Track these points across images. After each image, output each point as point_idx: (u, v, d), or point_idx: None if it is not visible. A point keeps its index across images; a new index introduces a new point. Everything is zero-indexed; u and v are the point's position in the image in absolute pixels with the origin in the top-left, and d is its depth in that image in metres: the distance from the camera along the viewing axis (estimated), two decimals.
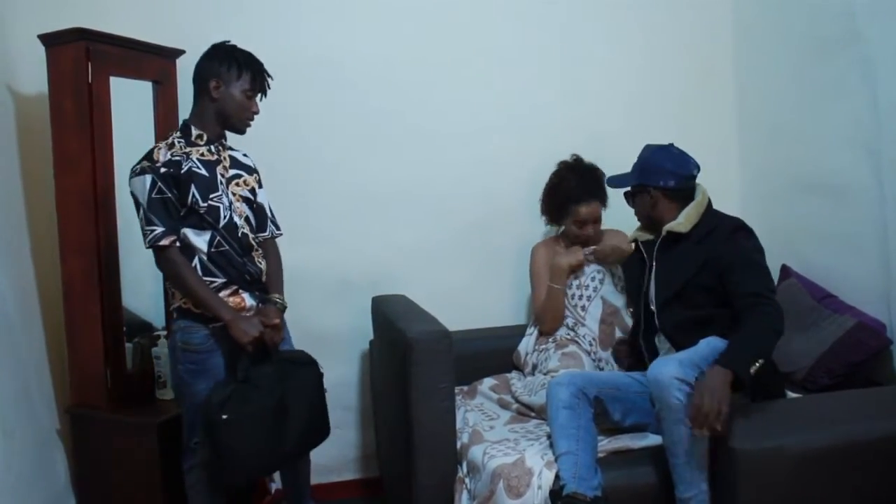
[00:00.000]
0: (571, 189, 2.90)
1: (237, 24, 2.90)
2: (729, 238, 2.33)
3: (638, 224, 2.62)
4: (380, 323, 2.80)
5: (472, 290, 3.17)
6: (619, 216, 2.93)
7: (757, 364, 2.10)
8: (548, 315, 2.88)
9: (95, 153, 2.47)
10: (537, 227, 3.16)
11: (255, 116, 2.36)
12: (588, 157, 3.01)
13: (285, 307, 2.40)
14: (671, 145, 2.51)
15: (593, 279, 2.90)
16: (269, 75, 2.38)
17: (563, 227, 3.02)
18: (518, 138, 3.18)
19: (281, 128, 2.87)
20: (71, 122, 2.47)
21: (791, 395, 2.49)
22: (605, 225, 2.99)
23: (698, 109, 3.25)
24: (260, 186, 2.46)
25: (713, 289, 2.33)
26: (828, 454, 2.06)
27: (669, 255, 2.45)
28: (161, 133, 2.72)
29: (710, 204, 2.46)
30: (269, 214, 2.48)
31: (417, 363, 2.30)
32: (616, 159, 3.04)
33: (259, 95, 2.36)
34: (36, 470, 2.45)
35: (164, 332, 2.68)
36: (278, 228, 2.51)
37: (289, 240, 2.57)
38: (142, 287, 2.78)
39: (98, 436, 2.56)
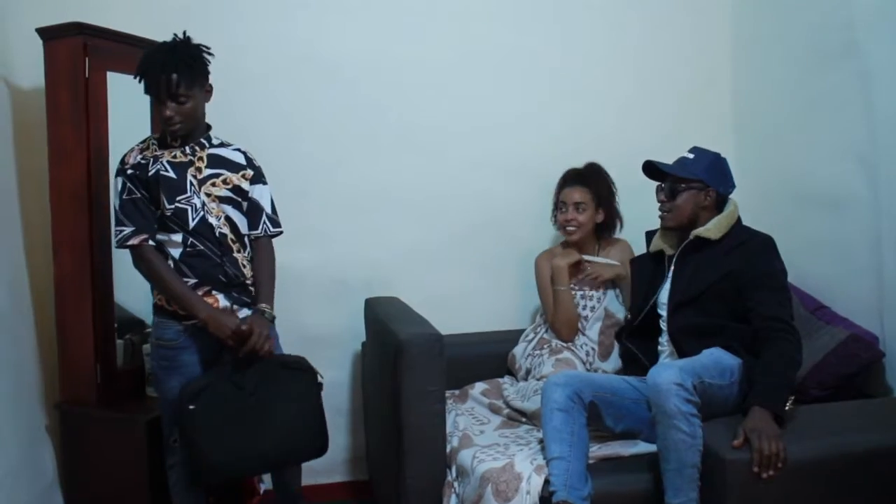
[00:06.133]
0: (565, 174, 2.97)
1: (235, 20, 2.90)
2: (760, 253, 2.32)
3: (659, 231, 2.57)
4: (372, 325, 2.80)
5: (466, 293, 3.17)
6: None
7: (790, 400, 2.16)
8: (561, 321, 2.85)
9: (90, 148, 2.46)
10: (533, 231, 3.17)
11: (177, 123, 2.22)
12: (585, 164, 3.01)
13: (273, 317, 2.33)
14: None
15: (598, 289, 2.90)
16: (169, 71, 2.16)
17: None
18: (515, 142, 3.18)
19: (275, 127, 2.87)
20: (67, 116, 2.47)
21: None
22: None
23: (696, 118, 3.24)
24: (257, 182, 2.39)
25: (729, 300, 2.33)
26: (818, 466, 2.06)
27: (692, 259, 2.43)
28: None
29: (739, 218, 2.45)
30: (268, 210, 2.41)
31: (409, 366, 2.30)
32: (612, 166, 3.06)
33: (167, 99, 2.19)
34: (24, 465, 2.44)
35: None
36: (276, 226, 2.43)
37: (282, 239, 2.55)
38: (134, 284, 2.74)
39: (87, 432, 2.56)
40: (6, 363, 2.40)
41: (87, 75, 2.44)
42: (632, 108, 3.26)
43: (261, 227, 2.40)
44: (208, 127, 2.38)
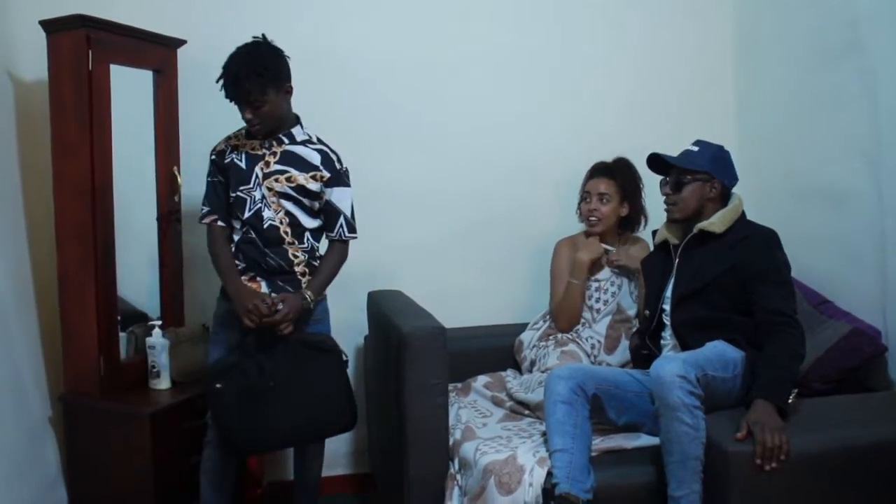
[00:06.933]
0: (593, 166, 2.96)
1: (242, 14, 2.90)
2: (764, 247, 2.33)
3: (664, 223, 2.56)
4: (375, 318, 2.80)
5: (469, 287, 3.17)
6: None
7: (793, 393, 2.16)
8: (564, 312, 2.85)
9: (94, 141, 2.46)
10: (535, 227, 3.18)
11: (256, 124, 2.33)
12: (588, 161, 3.00)
13: (309, 305, 2.38)
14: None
15: (612, 283, 2.89)
16: (242, 78, 2.25)
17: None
18: (515, 142, 3.19)
19: None
20: (70, 109, 2.47)
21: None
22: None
23: (697, 118, 3.24)
24: (336, 185, 2.42)
25: (733, 293, 2.33)
26: (821, 459, 2.07)
27: (696, 253, 2.43)
28: (160, 123, 2.73)
29: (743, 212, 2.45)
30: (346, 214, 2.45)
31: (411, 359, 2.30)
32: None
33: (243, 104, 2.30)
34: (27, 458, 2.44)
35: (159, 322, 2.68)
36: (352, 231, 2.47)
37: None
38: (137, 276, 2.78)
39: (90, 425, 2.56)
40: (9, 356, 2.41)
41: (90, 68, 2.43)
42: (632, 108, 3.26)
43: (336, 230, 2.46)
44: (297, 122, 2.44)
